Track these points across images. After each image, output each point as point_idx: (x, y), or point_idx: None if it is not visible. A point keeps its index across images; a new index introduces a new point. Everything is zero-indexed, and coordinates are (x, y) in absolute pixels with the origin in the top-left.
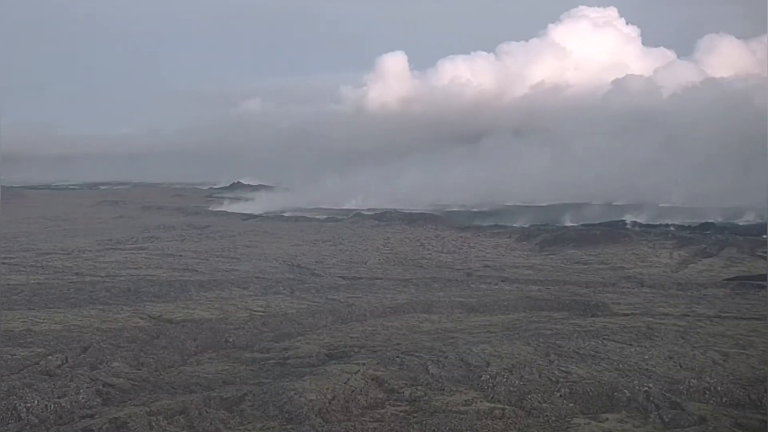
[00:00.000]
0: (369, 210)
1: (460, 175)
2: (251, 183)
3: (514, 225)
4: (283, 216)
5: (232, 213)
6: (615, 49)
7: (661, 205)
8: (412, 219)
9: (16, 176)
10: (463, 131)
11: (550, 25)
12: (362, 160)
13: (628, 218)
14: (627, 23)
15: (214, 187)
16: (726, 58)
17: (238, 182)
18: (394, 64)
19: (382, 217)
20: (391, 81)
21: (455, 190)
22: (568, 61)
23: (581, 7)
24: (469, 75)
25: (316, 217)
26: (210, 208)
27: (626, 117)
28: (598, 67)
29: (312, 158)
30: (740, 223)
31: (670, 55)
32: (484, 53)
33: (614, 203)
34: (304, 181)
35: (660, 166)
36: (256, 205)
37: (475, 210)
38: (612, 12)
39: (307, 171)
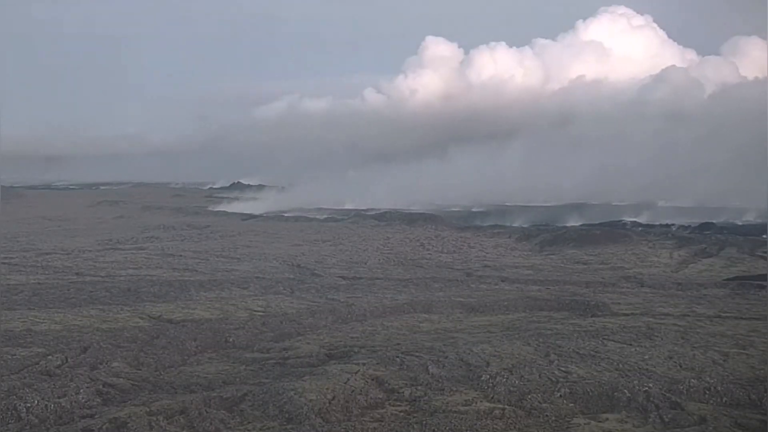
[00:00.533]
0: (369, 210)
1: (493, 173)
2: (251, 183)
3: (514, 225)
4: (283, 216)
5: (232, 213)
6: (647, 47)
7: (661, 204)
8: (412, 219)
9: (17, 176)
10: (499, 128)
11: (579, 22)
12: (374, 159)
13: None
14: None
15: (214, 187)
16: (754, 60)
17: (238, 182)
18: (440, 50)
19: (382, 217)
20: (430, 71)
21: (486, 188)
22: (605, 57)
23: (614, 6)
24: (509, 68)
25: (317, 217)
26: (210, 208)
27: (663, 115)
28: (631, 64)
29: (319, 157)
30: (740, 223)
31: (696, 57)
32: (526, 47)
33: (614, 203)
34: (305, 181)
35: (681, 165)
36: (256, 205)
37: (475, 210)
38: (645, 14)
39: (311, 170)
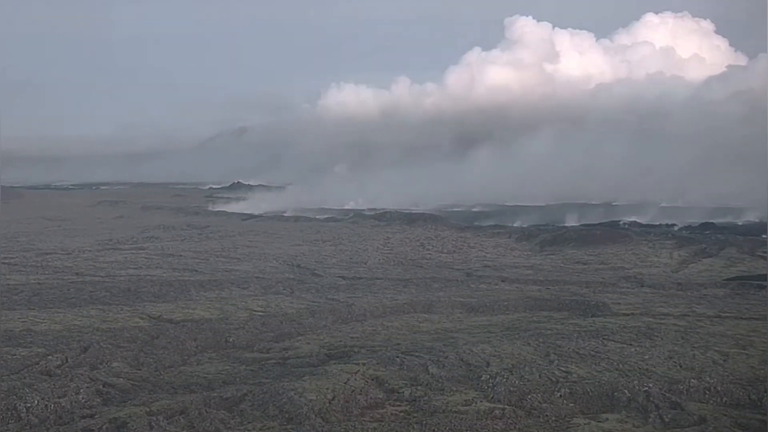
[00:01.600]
0: (369, 210)
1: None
2: (251, 183)
3: (514, 225)
4: (283, 216)
5: (232, 213)
6: (710, 48)
7: (661, 204)
8: (412, 219)
9: (17, 176)
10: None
11: (634, 22)
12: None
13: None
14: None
15: (214, 187)
16: None
17: (238, 182)
18: (528, 29)
19: (382, 217)
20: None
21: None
22: (673, 57)
23: (666, 12)
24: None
25: (316, 217)
26: (210, 208)
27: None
28: (698, 65)
29: (325, 156)
30: (740, 223)
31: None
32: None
33: (614, 203)
34: (306, 181)
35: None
36: (256, 205)
37: (475, 210)
38: (706, 22)
39: (314, 170)
